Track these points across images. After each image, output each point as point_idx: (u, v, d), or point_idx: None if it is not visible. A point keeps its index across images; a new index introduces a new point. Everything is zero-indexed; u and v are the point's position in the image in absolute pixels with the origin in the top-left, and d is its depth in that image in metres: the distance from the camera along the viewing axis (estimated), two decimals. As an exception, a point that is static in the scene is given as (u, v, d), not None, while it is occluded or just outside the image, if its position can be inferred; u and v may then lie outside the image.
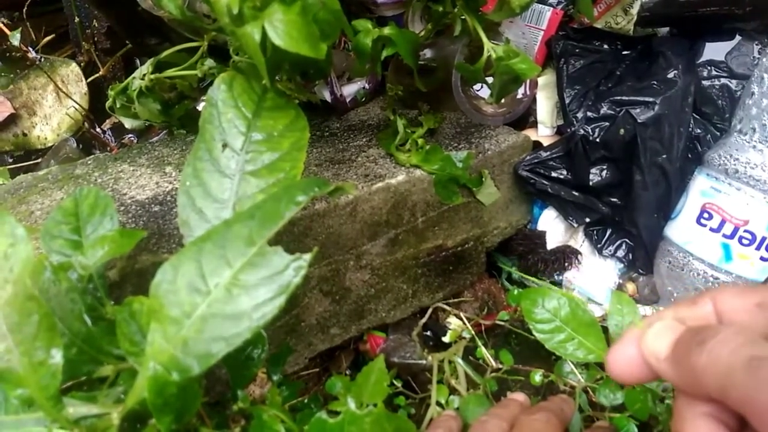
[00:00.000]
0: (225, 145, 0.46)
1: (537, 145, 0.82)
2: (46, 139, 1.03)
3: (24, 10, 1.05)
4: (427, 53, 0.77)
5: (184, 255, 0.35)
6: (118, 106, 0.74)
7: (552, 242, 0.84)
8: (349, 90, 0.84)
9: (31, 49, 1.07)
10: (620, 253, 0.82)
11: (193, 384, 0.38)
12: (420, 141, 0.73)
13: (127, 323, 0.39)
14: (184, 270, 0.35)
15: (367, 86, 0.85)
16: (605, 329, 0.63)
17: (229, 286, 0.34)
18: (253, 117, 0.48)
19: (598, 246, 0.82)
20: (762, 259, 0.70)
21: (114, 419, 0.37)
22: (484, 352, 0.75)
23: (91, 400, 0.39)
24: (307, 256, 0.34)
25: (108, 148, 1.02)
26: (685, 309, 0.32)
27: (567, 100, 0.77)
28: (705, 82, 0.77)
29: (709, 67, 0.77)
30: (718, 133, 0.77)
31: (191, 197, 0.45)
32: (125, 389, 0.40)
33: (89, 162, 0.76)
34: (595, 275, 0.83)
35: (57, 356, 0.36)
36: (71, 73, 1.05)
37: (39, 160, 1.02)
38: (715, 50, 0.78)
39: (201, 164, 0.46)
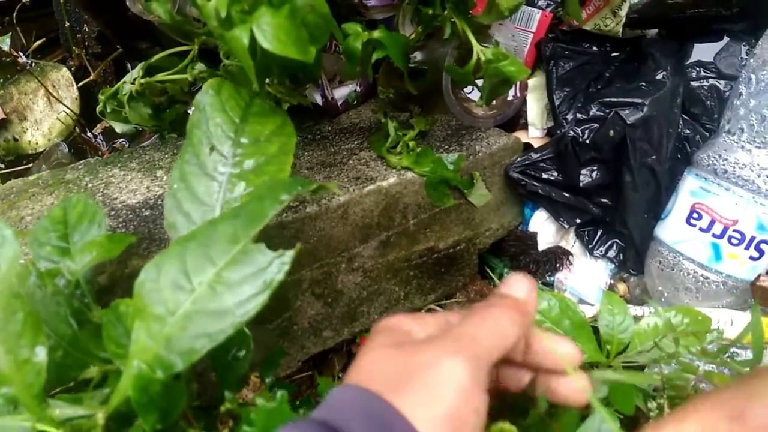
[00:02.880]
0: (212, 149, 0.46)
1: (527, 147, 0.82)
2: (37, 144, 1.03)
3: (14, 15, 1.05)
4: (418, 56, 0.77)
5: (168, 254, 0.36)
6: (108, 110, 0.74)
7: (543, 243, 0.85)
8: (341, 93, 0.84)
9: (21, 53, 1.07)
10: (611, 253, 0.82)
11: (179, 383, 0.38)
12: (411, 143, 0.73)
13: (113, 325, 0.40)
14: (167, 268, 0.35)
15: (358, 89, 0.86)
16: (596, 329, 0.63)
17: (213, 284, 0.35)
18: (240, 122, 0.48)
19: (589, 247, 0.83)
20: (751, 258, 0.71)
21: (99, 419, 0.37)
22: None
23: (76, 402, 0.39)
24: (291, 252, 0.35)
25: (99, 153, 1.02)
26: None
27: (557, 102, 0.78)
28: (693, 83, 0.77)
29: (697, 68, 0.78)
30: (707, 134, 0.77)
31: (178, 200, 0.45)
32: (111, 391, 0.40)
33: (80, 167, 0.75)
34: (587, 276, 0.83)
35: (41, 354, 0.36)
36: (62, 77, 1.04)
37: (30, 165, 1.02)
38: (703, 51, 0.78)
39: (188, 168, 0.46)
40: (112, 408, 0.37)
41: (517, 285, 0.39)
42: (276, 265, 0.35)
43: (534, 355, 0.38)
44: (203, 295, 0.35)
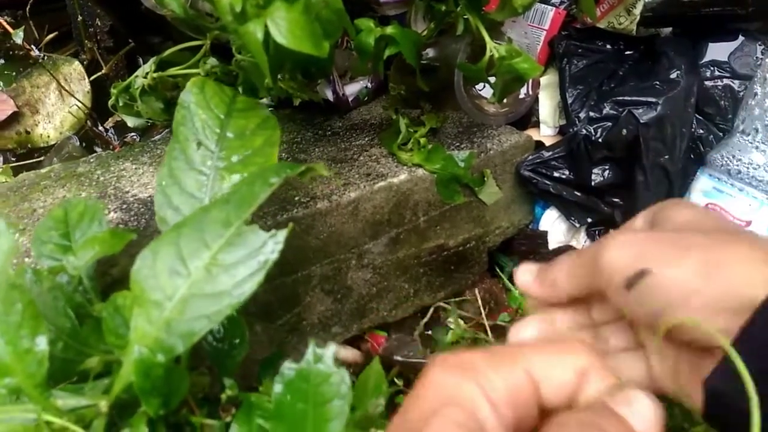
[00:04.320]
0: (199, 144, 0.48)
1: (539, 145, 0.82)
2: (48, 137, 1.04)
3: (27, 9, 1.06)
4: (430, 53, 0.77)
5: (163, 240, 0.37)
6: (120, 104, 0.74)
7: (554, 242, 0.84)
8: (352, 89, 0.84)
9: (34, 47, 1.07)
10: (622, 253, 0.82)
11: (180, 368, 0.39)
12: (422, 140, 0.73)
13: (112, 317, 0.41)
14: (163, 254, 0.36)
15: (369, 85, 0.85)
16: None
17: (208, 267, 0.36)
18: (225, 117, 0.50)
19: (600, 246, 0.82)
20: (764, 259, 0.70)
21: (103, 407, 0.38)
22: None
23: (79, 392, 0.40)
24: (284, 232, 0.35)
25: (110, 147, 1.03)
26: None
27: (569, 100, 0.77)
28: (708, 83, 0.77)
29: (711, 68, 0.77)
30: (721, 134, 0.76)
31: (168, 196, 0.47)
32: (112, 381, 0.40)
33: (92, 160, 0.76)
34: (597, 275, 0.82)
35: (42, 344, 0.37)
36: (74, 71, 1.05)
37: (42, 158, 1.03)
38: (718, 50, 0.77)
39: (176, 164, 0.47)
40: (115, 395, 0.38)
41: (645, 416, 0.26)
42: (270, 245, 0.36)
43: None
44: (199, 278, 0.36)
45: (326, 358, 0.40)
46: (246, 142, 0.48)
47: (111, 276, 0.54)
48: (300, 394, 0.39)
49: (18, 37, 1.03)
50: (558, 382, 0.27)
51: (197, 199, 0.46)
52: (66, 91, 1.03)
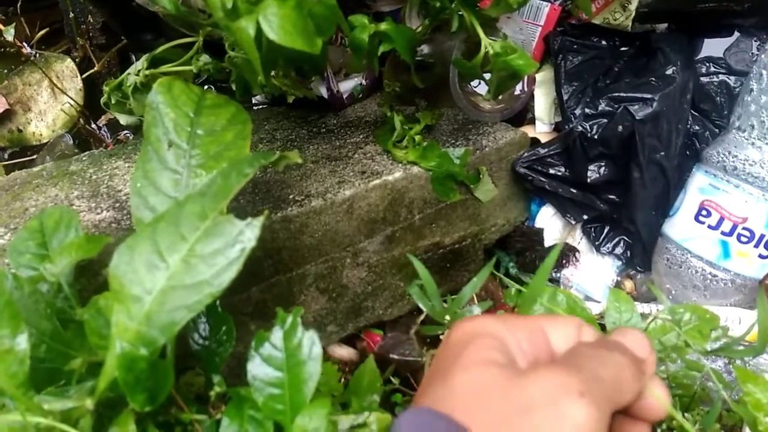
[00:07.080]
0: (171, 144, 0.48)
1: (535, 142, 0.82)
2: (41, 135, 1.03)
3: (18, 5, 1.05)
4: (424, 49, 0.76)
5: (140, 236, 0.37)
6: (113, 102, 0.74)
7: (550, 239, 0.84)
8: (346, 86, 0.83)
9: (25, 44, 1.06)
10: (618, 250, 0.82)
11: (165, 362, 0.39)
12: (417, 137, 0.72)
13: (95, 319, 0.41)
14: (140, 249, 0.36)
15: (364, 82, 0.85)
16: (603, 327, 0.62)
17: (186, 259, 0.36)
18: (195, 115, 0.50)
19: (596, 243, 0.82)
20: (760, 256, 0.70)
21: (88, 405, 0.38)
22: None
23: (63, 395, 0.40)
24: (260, 219, 0.36)
25: (103, 145, 1.02)
26: None
27: (565, 97, 0.77)
28: (703, 79, 0.77)
29: (707, 64, 0.77)
30: (717, 130, 0.76)
31: (143, 197, 0.46)
32: (97, 380, 0.40)
33: (84, 158, 0.75)
34: (593, 272, 0.82)
35: (23, 343, 0.37)
36: (66, 68, 1.04)
37: (34, 157, 1.02)
38: (713, 47, 0.77)
39: (150, 165, 0.47)
40: (100, 392, 0.38)
41: (640, 343, 0.33)
42: (247, 233, 0.36)
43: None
44: (178, 270, 0.36)
45: (295, 323, 0.43)
46: (217, 137, 0.49)
47: (103, 276, 0.53)
48: (274, 362, 0.42)
49: (9, 34, 1.02)
50: (563, 333, 0.34)
51: (173, 198, 0.47)
52: (58, 88, 1.02)
